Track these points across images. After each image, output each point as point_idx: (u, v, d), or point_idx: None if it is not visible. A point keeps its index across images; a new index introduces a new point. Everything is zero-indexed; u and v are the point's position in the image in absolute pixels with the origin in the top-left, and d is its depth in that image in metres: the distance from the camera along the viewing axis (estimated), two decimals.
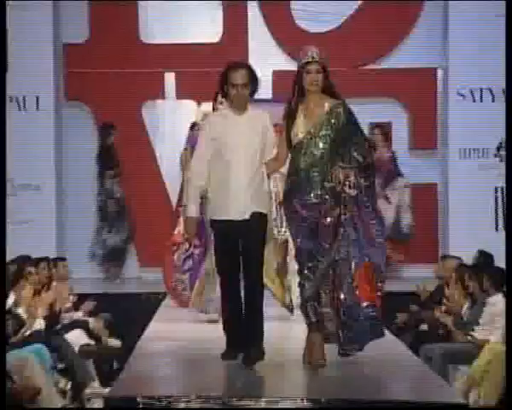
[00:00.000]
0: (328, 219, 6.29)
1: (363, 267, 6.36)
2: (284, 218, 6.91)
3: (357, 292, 6.34)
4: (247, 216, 6.37)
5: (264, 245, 6.59)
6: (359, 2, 12.54)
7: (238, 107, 6.46)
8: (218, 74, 6.54)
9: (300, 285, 6.49)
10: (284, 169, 6.68)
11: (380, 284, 6.49)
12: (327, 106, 6.34)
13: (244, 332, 6.51)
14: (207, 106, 9.08)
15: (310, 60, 6.28)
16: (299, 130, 6.36)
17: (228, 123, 6.46)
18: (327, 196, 6.29)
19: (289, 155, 6.50)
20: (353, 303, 6.37)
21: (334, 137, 6.30)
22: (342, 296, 6.36)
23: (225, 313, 6.73)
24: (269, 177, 6.67)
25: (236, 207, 6.38)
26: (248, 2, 12.63)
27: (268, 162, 6.53)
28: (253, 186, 6.42)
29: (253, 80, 6.43)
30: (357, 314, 6.38)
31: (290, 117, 6.41)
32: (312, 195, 6.31)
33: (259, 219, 6.46)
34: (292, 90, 6.42)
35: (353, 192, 6.25)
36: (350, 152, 6.29)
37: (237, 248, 6.48)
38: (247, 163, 6.39)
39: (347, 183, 6.22)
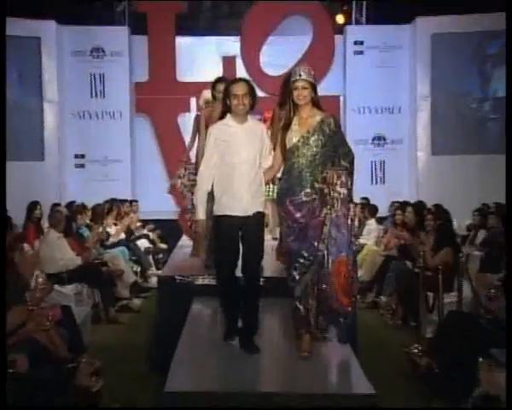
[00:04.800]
0: (318, 220, 4.32)
1: (337, 263, 4.31)
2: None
3: (335, 287, 4.31)
4: (250, 213, 4.44)
5: (263, 242, 4.58)
6: (299, 57, 12.20)
7: (240, 116, 4.50)
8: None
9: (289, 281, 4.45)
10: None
11: (354, 286, 4.40)
12: (318, 117, 4.45)
13: (241, 319, 4.56)
14: (208, 92, 6.98)
15: (297, 78, 4.43)
16: (294, 135, 4.41)
17: (232, 131, 4.49)
18: (315, 196, 4.34)
19: (284, 159, 4.51)
20: (330, 296, 4.36)
21: (324, 142, 4.39)
22: (323, 287, 4.36)
23: (223, 301, 4.70)
24: (266, 183, 4.74)
25: (240, 204, 4.42)
26: (237, 58, 12.53)
27: (265, 171, 4.59)
28: (254, 186, 4.48)
29: (252, 93, 4.50)
30: (333, 308, 4.39)
31: (286, 128, 4.49)
32: (303, 193, 4.34)
33: (259, 217, 4.51)
34: (280, 102, 4.72)
35: (344, 191, 4.35)
36: (338, 159, 4.41)
37: (238, 241, 4.46)
38: (248, 165, 4.46)
39: (339, 182, 4.34)
